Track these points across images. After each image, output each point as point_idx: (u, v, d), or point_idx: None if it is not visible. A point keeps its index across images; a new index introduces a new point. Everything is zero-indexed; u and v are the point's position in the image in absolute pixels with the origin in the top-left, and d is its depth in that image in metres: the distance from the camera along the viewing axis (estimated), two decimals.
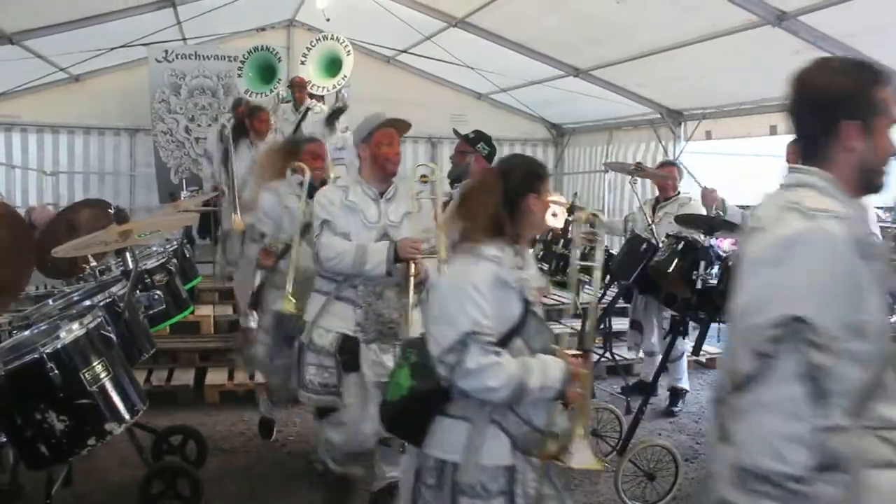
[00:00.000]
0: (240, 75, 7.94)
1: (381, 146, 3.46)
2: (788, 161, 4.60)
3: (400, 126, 3.58)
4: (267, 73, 7.72)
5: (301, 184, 4.03)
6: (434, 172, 3.94)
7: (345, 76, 7.31)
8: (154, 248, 4.75)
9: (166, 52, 8.51)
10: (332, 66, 7.45)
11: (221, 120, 7.54)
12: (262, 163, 4.72)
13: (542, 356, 2.33)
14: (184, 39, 8.57)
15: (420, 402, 2.34)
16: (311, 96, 7.51)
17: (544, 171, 2.51)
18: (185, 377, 6.00)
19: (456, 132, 4.78)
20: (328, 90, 7.42)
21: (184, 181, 8.39)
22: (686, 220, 4.90)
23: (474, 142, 4.52)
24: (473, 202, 2.40)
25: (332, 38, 7.46)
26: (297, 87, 7.37)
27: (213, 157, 7.22)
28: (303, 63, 7.49)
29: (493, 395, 2.22)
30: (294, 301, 3.73)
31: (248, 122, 6.12)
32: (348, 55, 7.35)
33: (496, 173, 2.45)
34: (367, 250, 3.39)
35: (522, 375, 2.22)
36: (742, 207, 4.95)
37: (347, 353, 3.47)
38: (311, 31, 8.85)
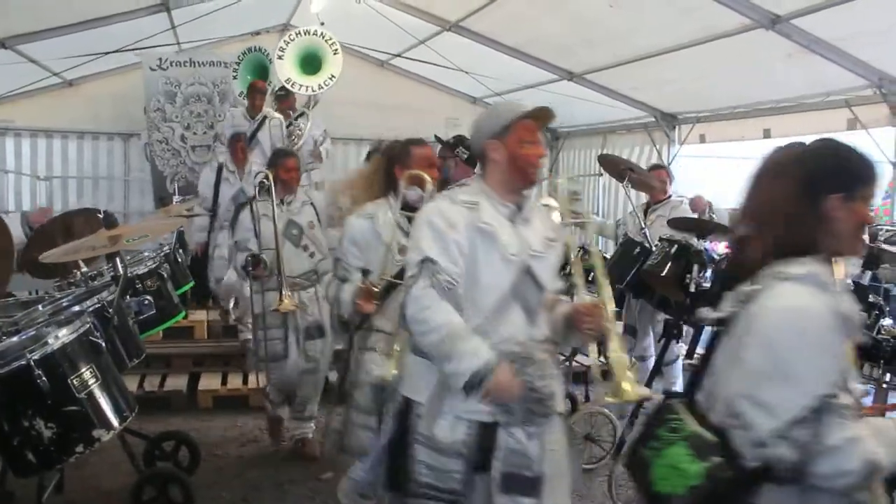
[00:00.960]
0: (235, 77, 7.79)
1: (522, 144, 2.47)
2: None
3: (543, 117, 2.58)
4: (261, 74, 7.59)
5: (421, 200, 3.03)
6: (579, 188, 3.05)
7: (332, 76, 6.82)
8: (146, 254, 4.74)
9: (160, 59, 8.38)
10: (311, 63, 7.01)
11: (216, 159, 6.94)
12: (358, 181, 3.63)
13: (871, 419, 1.80)
14: (178, 44, 8.55)
15: (724, 495, 1.67)
16: (282, 97, 6.99)
17: (865, 170, 1.78)
18: (178, 382, 5.97)
19: (437, 138, 4.72)
20: (313, 90, 6.95)
21: (177, 189, 8.26)
22: (679, 223, 4.90)
23: (454, 146, 4.42)
24: (763, 194, 1.79)
25: (314, 34, 6.99)
26: (259, 93, 6.92)
27: (207, 200, 6.63)
28: (280, 58, 6.96)
29: (846, 481, 1.65)
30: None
31: (272, 172, 4.75)
32: (335, 54, 6.93)
33: (794, 155, 1.81)
34: (456, 347, 2.29)
35: (874, 450, 1.64)
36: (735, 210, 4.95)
37: (483, 451, 2.42)
38: None
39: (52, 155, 9.15)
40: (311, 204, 4.73)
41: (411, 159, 3.25)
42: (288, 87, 6.94)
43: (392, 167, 3.31)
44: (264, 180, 4.59)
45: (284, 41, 7.04)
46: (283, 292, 4.32)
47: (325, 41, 6.94)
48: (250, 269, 4.39)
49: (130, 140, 9.32)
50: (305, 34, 6.99)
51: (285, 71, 6.95)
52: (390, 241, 3.13)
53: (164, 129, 8.52)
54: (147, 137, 8.69)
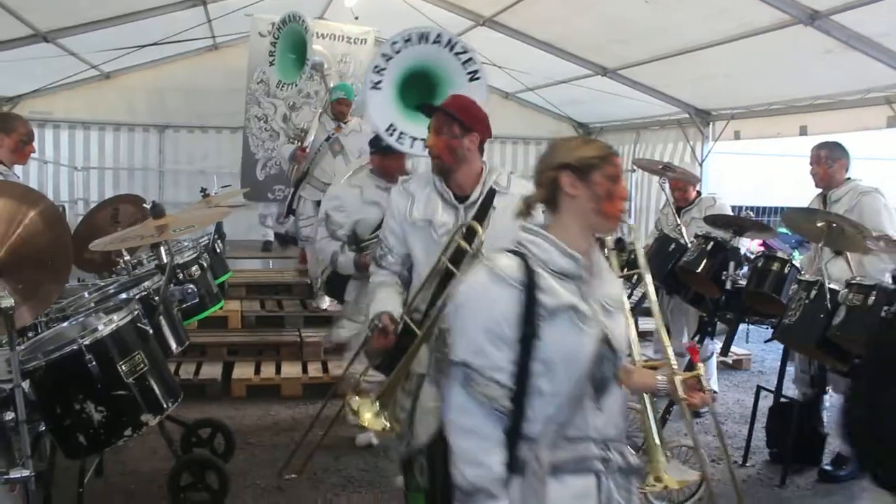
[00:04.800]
0: (272, 63, 6.33)
1: None
2: (812, 164, 4.57)
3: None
4: (300, 52, 6.23)
5: None
6: None
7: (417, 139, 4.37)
8: (186, 243, 4.81)
9: (272, 24, 6.60)
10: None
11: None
12: None
13: None
14: (213, 37, 8.65)
15: None
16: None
17: None
18: (212, 371, 6.07)
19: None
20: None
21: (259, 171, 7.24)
22: (715, 220, 4.88)
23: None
24: None
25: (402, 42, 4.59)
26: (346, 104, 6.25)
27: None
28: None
29: None
30: None
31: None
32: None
33: None
34: None
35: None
36: (771, 209, 4.91)
37: None
38: None
39: (90, 146, 9.31)
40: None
41: None
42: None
43: None
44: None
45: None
46: None
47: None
48: None
49: (165, 132, 9.47)
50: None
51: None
52: None
53: (266, 105, 7.31)
54: (245, 112, 7.68)
